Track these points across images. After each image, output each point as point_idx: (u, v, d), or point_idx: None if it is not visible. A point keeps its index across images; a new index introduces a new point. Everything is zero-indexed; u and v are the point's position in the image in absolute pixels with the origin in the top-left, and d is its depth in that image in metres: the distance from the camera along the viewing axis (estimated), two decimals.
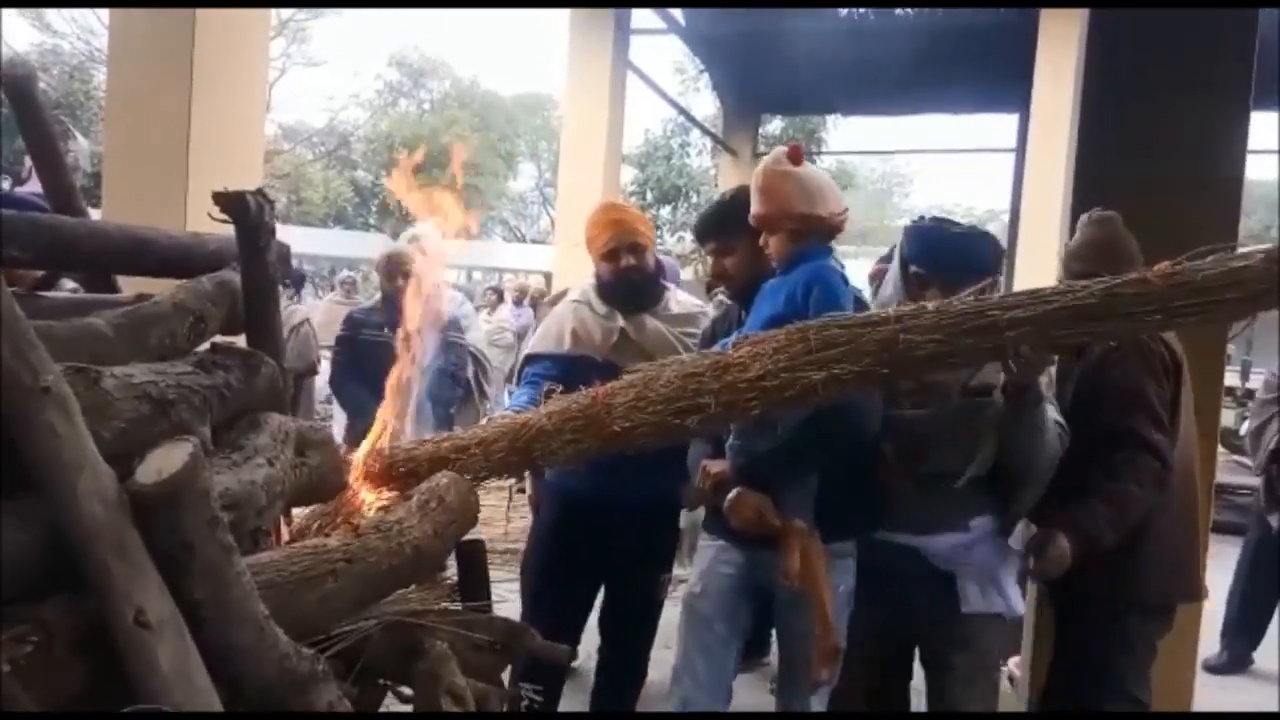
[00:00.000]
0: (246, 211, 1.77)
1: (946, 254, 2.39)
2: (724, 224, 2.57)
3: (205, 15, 3.87)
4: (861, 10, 10.43)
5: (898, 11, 10.33)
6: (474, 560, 1.92)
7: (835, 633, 2.20)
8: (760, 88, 12.64)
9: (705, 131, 16.98)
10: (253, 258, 1.84)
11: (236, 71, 4.17)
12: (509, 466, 2.14)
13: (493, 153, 26.71)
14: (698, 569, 2.56)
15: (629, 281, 2.93)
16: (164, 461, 1.25)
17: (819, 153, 20.94)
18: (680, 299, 3.14)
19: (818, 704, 2.39)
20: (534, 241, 29.88)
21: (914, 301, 2.11)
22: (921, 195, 34.51)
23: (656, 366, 2.09)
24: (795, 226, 2.31)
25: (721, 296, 3.43)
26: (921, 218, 2.67)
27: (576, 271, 8.05)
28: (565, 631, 2.87)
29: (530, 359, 3.09)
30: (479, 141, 25.88)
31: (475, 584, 1.90)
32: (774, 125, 21.87)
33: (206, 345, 1.76)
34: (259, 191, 1.79)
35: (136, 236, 1.91)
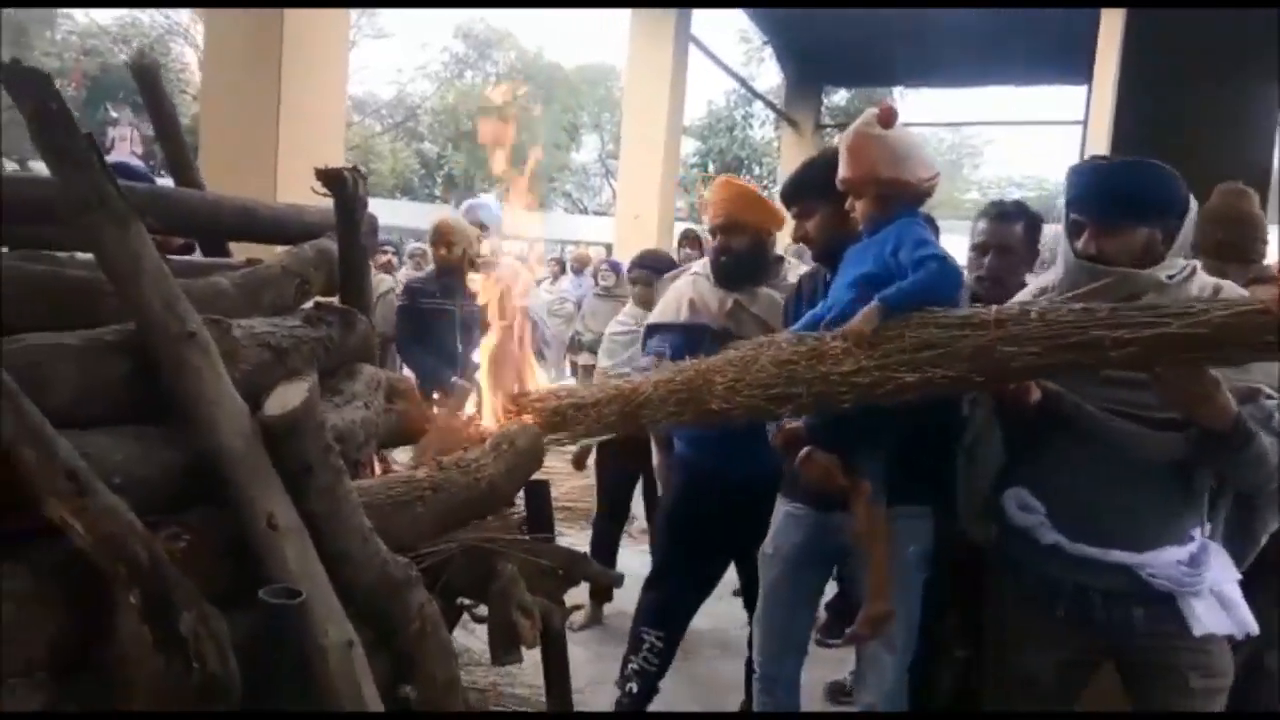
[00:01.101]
0: (344, 186, 2.01)
1: (1095, 192, 2.03)
2: (805, 188, 2.54)
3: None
4: None
5: None
6: (541, 497, 2.16)
7: (887, 597, 2.17)
8: (823, 60, 12.62)
9: (767, 104, 16.98)
10: (348, 228, 2.08)
11: (321, 46, 4.44)
12: (618, 427, 2.23)
13: (556, 125, 26.92)
14: (772, 529, 2.57)
15: (722, 260, 3.05)
16: (286, 397, 1.51)
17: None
18: (802, 270, 3.13)
19: (891, 671, 2.37)
20: (596, 213, 30.08)
21: (1074, 251, 1.98)
22: (991, 167, 33.83)
23: (755, 347, 2.12)
24: (881, 191, 2.20)
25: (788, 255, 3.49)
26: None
27: (637, 243, 8.27)
28: (687, 600, 3.09)
29: (651, 329, 3.26)
30: (543, 114, 26.12)
31: (541, 518, 2.13)
32: (839, 96, 21.70)
33: (310, 304, 2.02)
34: (354, 168, 2.03)
35: (245, 208, 2.17)
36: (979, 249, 2.72)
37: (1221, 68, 3.20)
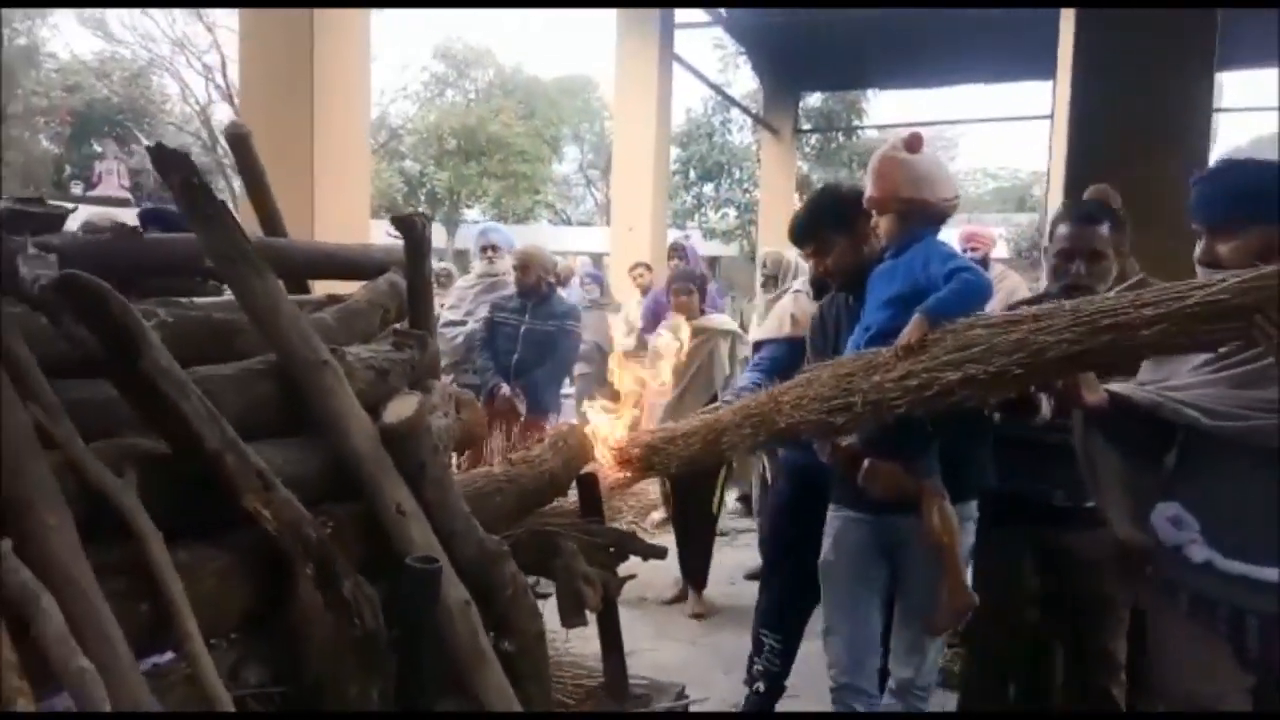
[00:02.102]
0: (413, 229, 2.36)
1: (1202, 197, 1.98)
2: (814, 225, 2.67)
3: (320, 30, 4.50)
4: None
5: None
6: (590, 486, 2.51)
7: (968, 590, 2.32)
8: (797, 66, 13.02)
9: (745, 111, 17.35)
10: (416, 263, 2.43)
11: (345, 76, 4.82)
12: (701, 457, 2.41)
13: (538, 139, 27.26)
14: (828, 538, 2.63)
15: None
16: (400, 408, 1.86)
17: (860, 126, 21.19)
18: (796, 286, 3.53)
19: (933, 652, 2.55)
20: (580, 223, 30.44)
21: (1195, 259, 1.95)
22: (965, 159, 34.38)
23: (820, 367, 2.26)
24: (903, 210, 2.33)
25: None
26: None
27: (631, 254, 8.65)
28: (798, 601, 3.17)
29: (757, 345, 3.55)
30: (524, 128, 26.47)
31: (592, 504, 2.49)
32: (815, 98, 22.16)
33: (388, 330, 2.37)
34: (421, 214, 2.38)
35: (325, 251, 2.52)
36: (1064, 255, 2.54)
37: (1165, 61, 3.46)
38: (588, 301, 9.06)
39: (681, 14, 10.07)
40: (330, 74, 4.55)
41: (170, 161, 1.85)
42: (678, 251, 7.11)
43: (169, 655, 1.50)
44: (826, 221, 2.63)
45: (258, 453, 1.65)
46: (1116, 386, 1.96)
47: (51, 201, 2.07)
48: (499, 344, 4.98)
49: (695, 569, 4.65)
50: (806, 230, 2.71)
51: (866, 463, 2.35)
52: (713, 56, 22.85)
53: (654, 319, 6.79)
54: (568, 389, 9.55)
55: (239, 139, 2.50)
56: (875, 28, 10.72)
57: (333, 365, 1.81)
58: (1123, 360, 1.88)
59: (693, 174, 25.29)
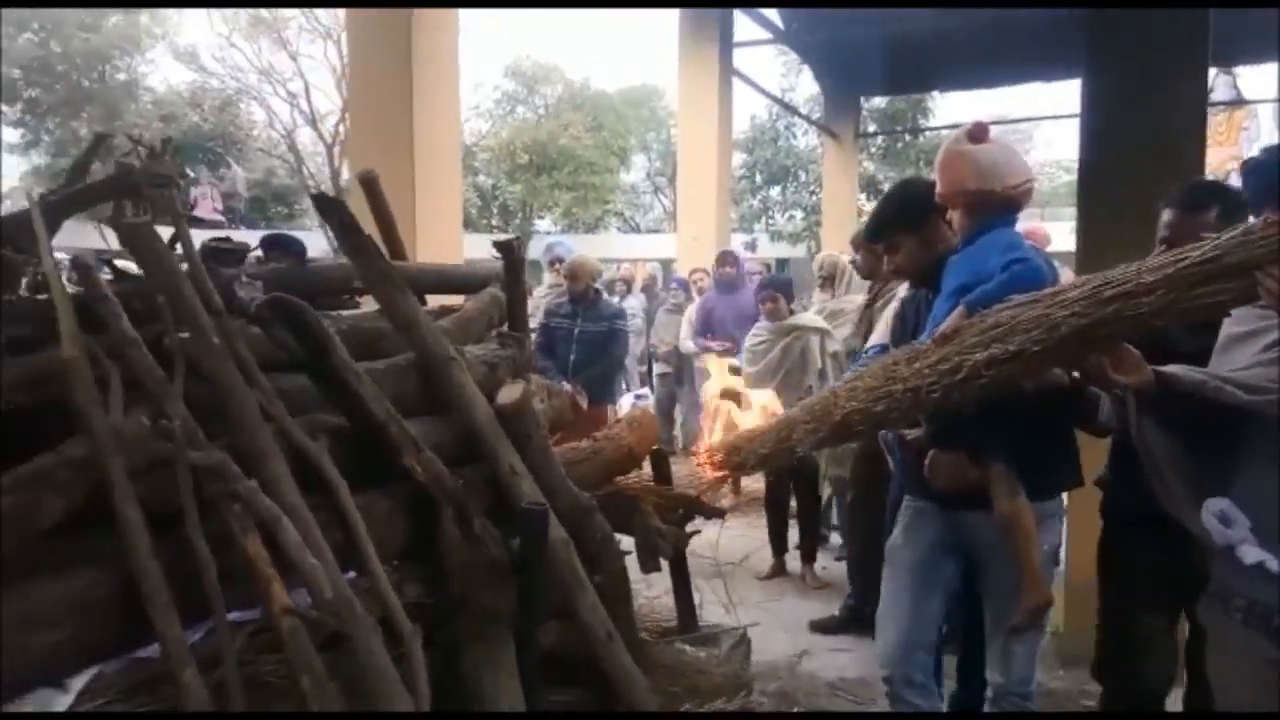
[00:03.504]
0: (512, 251, 2.89)
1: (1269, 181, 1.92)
2: (885, 225, 2.69)
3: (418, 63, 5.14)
4: None
5: None
6: (662, 459, 3.01)
7: (1044, 587, 2.29)
8: (857, 73, 13.32)
9: (805, 119, 17.68)
10: (514, 278, 2.97)
11: (438, 103, 5.45)
12: (776, 456, 2.49)
13: (606, 150, 27.95)
14: (901, 524, 2.63)
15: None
16: (510, 393, 2.38)
17: (926, 128, 21.31)
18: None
19: (1024, 654, 2.46)
20: (649, 230, 31.01)
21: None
22: (1040, 152, 33.94)
23: (879, 360, 2.31)
24: (970, 201, 2.31)
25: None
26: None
27: (696, 261, 9.14)
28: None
29: (861, 351, 3.59)
30: (592, 140, 27.20)
31: (663, 474, 2.99)
32: (880, 99, 22.36)
33: (494, 332, 2.90)
34: (518, 239, 2.91)
35: (440, 271, 3.08)
36: (1166, 244, 2.35)
37: (1163, 62, 3.68)
38: (671, 305, 9.61)
39: (740, 32, 10.53)
40: (426, 101, 5.17)
41: (328, 206, 2.41)
42: (727, 259, 7.54)
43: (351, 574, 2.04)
44: (895, 220, 2.65)
45: (409, 426, 2.19)
46: (1167, 367, 1.83)
47: (237, 239, 2.66)
48: (556, 347, 5.55)
49: (808, 546, 5.05)
50: (876, 229, 2.75)
51: (930, 455, 2.41)
52: (776, 63, 23.30)
53: (704, 326, 7.25)
54: (641, 389, 10.11)
55: (370, 182, 3.07)
56: (934, 32, 11.00)
57: (458, 360, 2.35)
58: (1133, 331, 1.79)
59: (759, 178, 25.69)
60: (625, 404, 10.46)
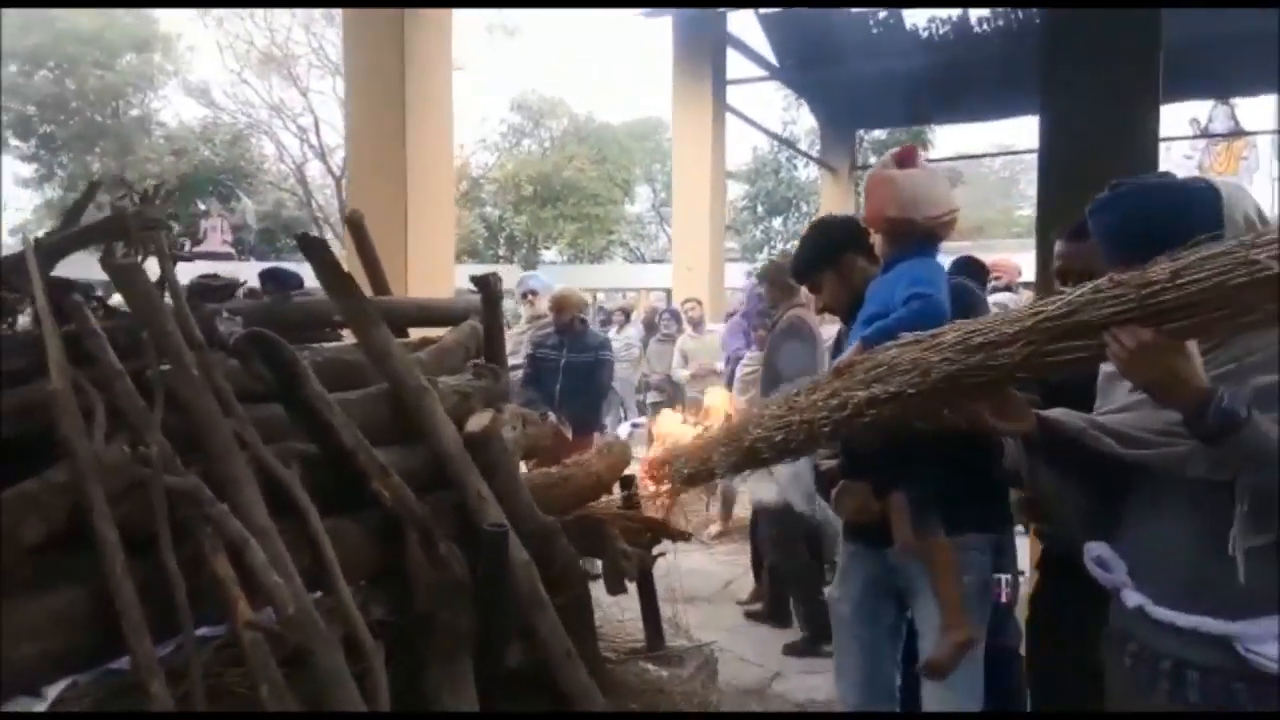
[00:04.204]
0: (489, 286, 3.04)
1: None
2: (804, 266, 2.65)
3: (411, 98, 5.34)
4: (941, 26, 11.27)
5: (975, 27, 11.13)
6: (630, 484, 3.12)
7: (964, 626, 2.19)
8: (853, 106, 13.57)
9: (801, 153, 17.91)
10: (491, 313, 3.11)
11: (432, 139, 5.66)
12: (698, 477, 2.41)
13: (610, 182, 28.29)
14: (838, 573, 2.62)
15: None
16: (478, 421, 2.51)
17: (928, 160, 21.52)
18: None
19: (966, 691, 2.33)
20: (654, 260, 31.26)
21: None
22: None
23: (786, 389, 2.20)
24: (889, 229, 2.29)
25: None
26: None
27: (690, 291, 9.32)
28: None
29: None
30: (596, 172, 27.54)
31: (630, 499, 3.10)
32: (880, 132, 22.63)
33: (470, 364, 3.03)
34: (494, 274, 3.05)
35: (420, 304, 3.22)
36: (1059, 274, 2.38)
37: (1118, 94, 3.75)
38: (662, 335, 9.77)
39: (734, 70, 10.77)
40: (421, 139, 5.39)
41: (310, 245, 2.56)
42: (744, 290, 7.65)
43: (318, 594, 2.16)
44: (813, 260, 2.61)
45: (378, 453, 2.32)
46: (1051, 412, 1.76)
47: (225, 276, 2.80)
48: (542, 378, 5.65)
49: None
50: (797, 270, 2.72)
51: (839, 485, 2.40)
52: (777, 96, 23.62)
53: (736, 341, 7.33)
54: (638, 418, 10.24)
55: (355, 223, 3.22)
56: (931, 66, 11.23)
57: (429, 391, 2.48)
58: (1003, 380, 1.68)
59: (760, 209, 25.92)
60: (623, 432, 10.60)
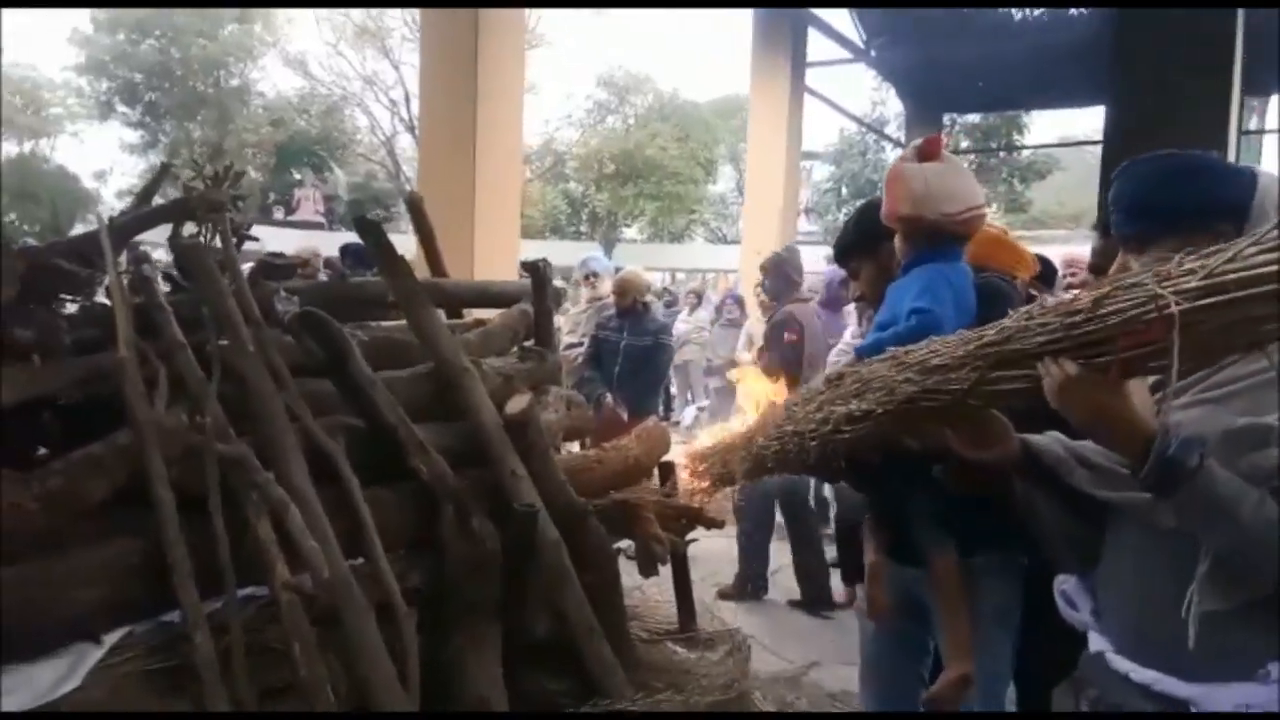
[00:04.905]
0: (538, 271, 3.13)
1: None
2: (845, 250, 2.52)
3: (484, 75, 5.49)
4: (1034, 9, 10.93)
5: (1070, 10, 10.76)
6: (668, 470, 3.20)
7: (967, 659, 2.00)
8: (939, 90, 13.27)
9: (885, 137, 17.62)
10: (540, 297, 3.20)
11: (503, 117, 5.80)
12: (721, 480, 2.53)
13: (692, 160, 28.22)
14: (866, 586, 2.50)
15: None
16: (516, 403, 2.61)
17: (1020, 147, 20.95)
18: None
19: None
20: (734, 242, 31.14)
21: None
22: None
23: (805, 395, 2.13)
24: (904, 228, 2.14)
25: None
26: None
27: (758, 276, 9.30)
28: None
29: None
30: (679, 151, 27.50)
31: (669, 484, 3.18)
32: (974, 116, 22.03)
33: (517, 347, 3.14)
34: (543, 260, 3.15)
35: (477, 287, 3.34)
36: (1094, 271, 2.31)
37: (1188, 81, 3.66)
38: (725, 320, 9.80)
39: (815, 52, 10.65)
40: (490, 123, 5.53)
41: (367, 228, 2.68)
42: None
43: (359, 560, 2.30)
44: (851, 246, 2.48)
45: (420, 429, 2.44)
46: (1039, 437, 1.64)
47: (289, 256, 2.96)
48: (603, 359, 5.77)
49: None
50: (837, 255, 2.59)
51: (871, 564, 2.35)
52: (867, 77, 23.22)
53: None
54: (704, 401, 10.29)
55: (414, 204, 3.35)
56: (1018, 50, 10.92)
57: (472, 371, 2.59)
58: (959, 404, 1.55)
59: (845, 191, 25.57)
60: (689, 414, 10.69)
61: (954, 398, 1.54)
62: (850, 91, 31.60)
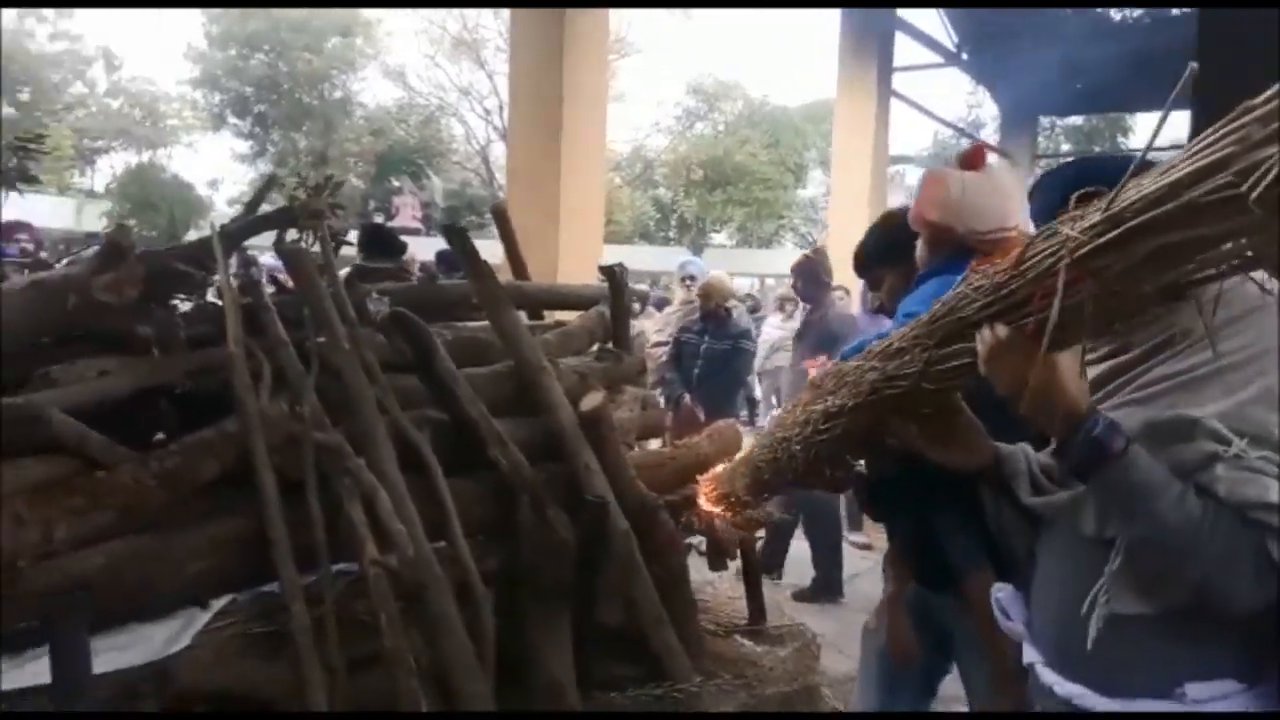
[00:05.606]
0: (615, 275, 3.26)
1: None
2: (868, 259, 2.46)
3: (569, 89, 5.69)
4: (1136, 12, 10.65)
5: (1172, 9, 10.45)
6: None
7: (1016, 692, 1.69)
8: (1036, 92, 12.99)
9: (974, 140, 17.27)
10: (616, 299, 3.33)
11: (587, 130, 5.98)
12: (722, 499, 2.49)
13: (782, 166, 28.13)
14: (878, 606, 2.38)
15: None
16: (590, 400, 2.74)
17: (1124, 150, 20.29)
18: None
19: None
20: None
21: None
22: None
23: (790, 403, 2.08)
24: (928, 234, 2.07)
25: None
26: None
27: (842, 280, 9.28)
28: None
29: None
30: (768, 156, 27.45)
31: None
32: (1076, 119, 21.43)
33: (595, 347, 3.27)
34: (619, 265, 3.27)
35: (554, 290, 3.48)
36: None
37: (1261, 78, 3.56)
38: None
39: (905, 57, 10.58)
40: (575, 132, 5.72)
41: (454, 234, 2.86)
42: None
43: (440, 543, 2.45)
44: (872, 255, 2.43)
45: (499, 424, 2.58)
46: (1012, 448, 1.54)
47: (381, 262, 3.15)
48: (683, 360, 5.89)
49: None
50: (860, 264, 2.51)
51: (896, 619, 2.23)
52: (962, 80, 22.80)
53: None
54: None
55: (499, 213, 3.52)
56: (1119, 51, 10.65)
57: (549, 370, 2.73)
58: (919, 390, 1.47)
59: None
60: (772, 421, 10.69)
61: (911, 382, 1.47)
62: (945, 95, 31.00)
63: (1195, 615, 1.24)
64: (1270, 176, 0.87)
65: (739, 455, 2.47)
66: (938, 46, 11.18)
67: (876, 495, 2.03)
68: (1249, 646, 1.26)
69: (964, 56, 11.69)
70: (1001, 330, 1.24)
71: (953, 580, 1.98)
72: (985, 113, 22.61)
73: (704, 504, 2.60)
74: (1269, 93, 0.90)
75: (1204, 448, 1.20)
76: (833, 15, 10.87)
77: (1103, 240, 1.07)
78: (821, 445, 1.76)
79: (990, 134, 20.34)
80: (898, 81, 10.87)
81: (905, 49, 10.88)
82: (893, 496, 1.99)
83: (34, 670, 1.80)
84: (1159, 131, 1.11)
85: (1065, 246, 1.12)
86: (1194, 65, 1.04)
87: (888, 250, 2.34)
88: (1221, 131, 0.95)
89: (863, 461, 1.91)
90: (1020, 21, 10.83)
